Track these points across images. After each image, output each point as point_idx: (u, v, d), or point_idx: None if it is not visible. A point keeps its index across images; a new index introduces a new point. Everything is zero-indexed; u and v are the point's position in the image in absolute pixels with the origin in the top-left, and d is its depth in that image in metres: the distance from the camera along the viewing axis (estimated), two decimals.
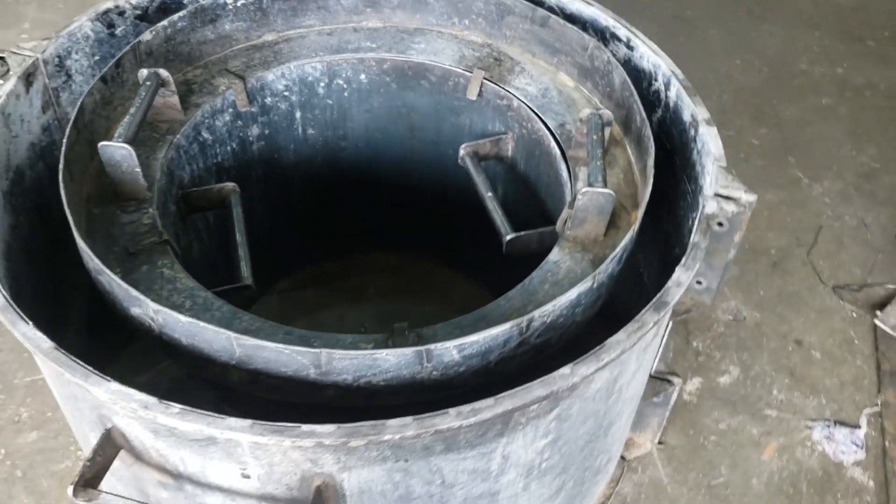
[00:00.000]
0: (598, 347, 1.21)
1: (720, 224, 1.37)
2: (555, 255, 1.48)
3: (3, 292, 1.26)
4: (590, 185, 1.43)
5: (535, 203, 1.86)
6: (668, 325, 1.61)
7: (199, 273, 1.47)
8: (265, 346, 1.20)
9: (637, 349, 1.35)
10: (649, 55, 1.69)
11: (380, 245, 2.39)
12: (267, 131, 1.92)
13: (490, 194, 1.73)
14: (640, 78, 1.73)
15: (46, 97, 1.68)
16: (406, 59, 1.87)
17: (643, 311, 1.26)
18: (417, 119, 1.99)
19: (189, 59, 1.81)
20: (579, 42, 1.74)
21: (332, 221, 2.23)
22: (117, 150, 1.46)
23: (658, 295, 1.28)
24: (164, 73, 1.62)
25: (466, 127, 1.94)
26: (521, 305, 1.39)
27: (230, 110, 1.80)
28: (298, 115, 1.94)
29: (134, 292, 1.26)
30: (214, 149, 1.81)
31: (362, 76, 1.91)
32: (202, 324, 1.22)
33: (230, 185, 1.71)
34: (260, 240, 2.11)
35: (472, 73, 1.82)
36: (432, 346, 1.21)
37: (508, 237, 1.62)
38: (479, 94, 1.84)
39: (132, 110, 1.53)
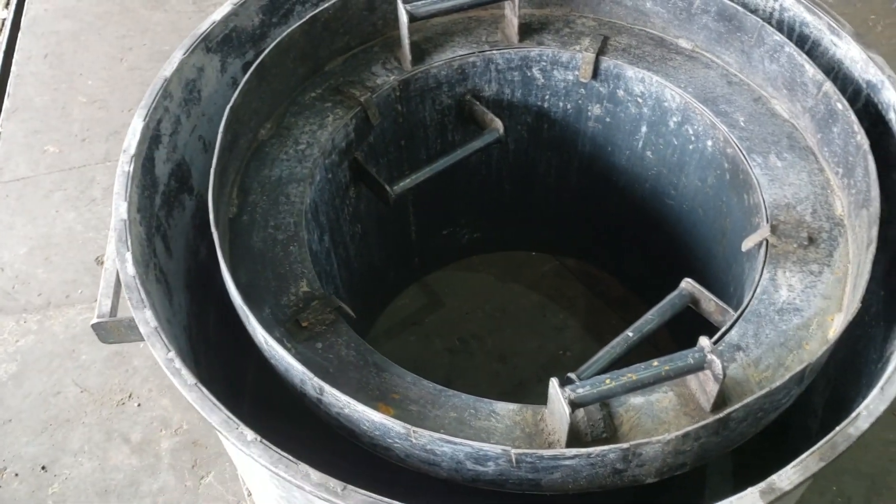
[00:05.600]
0: None
1: None
2: None
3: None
4: None
5: None
6: None
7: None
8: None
9: None
10: None
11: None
12: (608, 119, 1.77)
13: (630, 333, 1.37)
14: None
15: None
16: (743, 164, 1.49)
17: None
18: (730, 226, 1.61)
19: (589, 4, 1.72)
20: None
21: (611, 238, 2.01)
22: None
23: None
24: None
25: None
26: None
27: (575, 73, 1.70)
28: (644, 130, 1.73)
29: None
30: (542, 93, 1.75)
31: (709, 142, 1.59)
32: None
33: (499, 122, 1.67)
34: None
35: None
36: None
37: None
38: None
39: None
